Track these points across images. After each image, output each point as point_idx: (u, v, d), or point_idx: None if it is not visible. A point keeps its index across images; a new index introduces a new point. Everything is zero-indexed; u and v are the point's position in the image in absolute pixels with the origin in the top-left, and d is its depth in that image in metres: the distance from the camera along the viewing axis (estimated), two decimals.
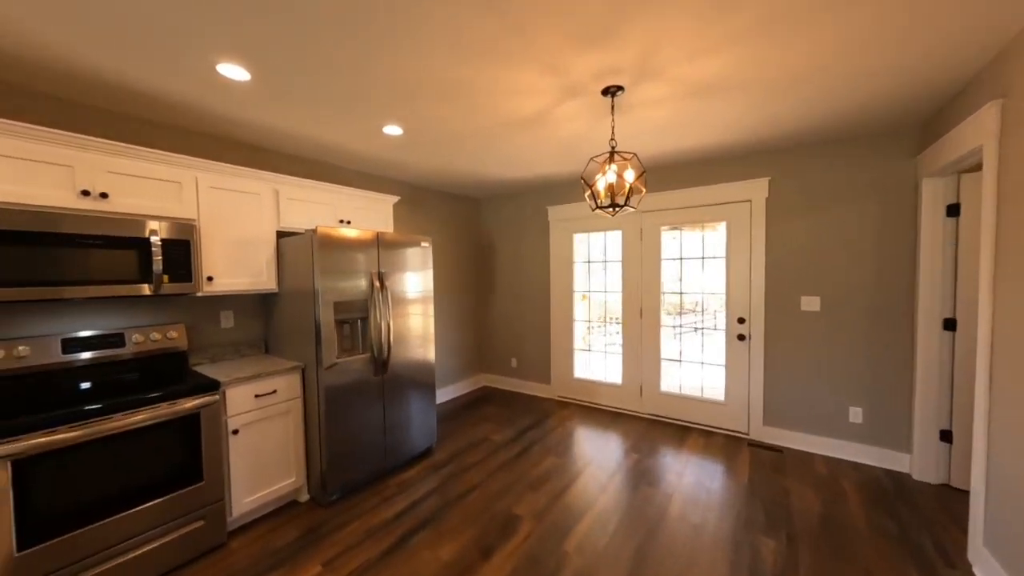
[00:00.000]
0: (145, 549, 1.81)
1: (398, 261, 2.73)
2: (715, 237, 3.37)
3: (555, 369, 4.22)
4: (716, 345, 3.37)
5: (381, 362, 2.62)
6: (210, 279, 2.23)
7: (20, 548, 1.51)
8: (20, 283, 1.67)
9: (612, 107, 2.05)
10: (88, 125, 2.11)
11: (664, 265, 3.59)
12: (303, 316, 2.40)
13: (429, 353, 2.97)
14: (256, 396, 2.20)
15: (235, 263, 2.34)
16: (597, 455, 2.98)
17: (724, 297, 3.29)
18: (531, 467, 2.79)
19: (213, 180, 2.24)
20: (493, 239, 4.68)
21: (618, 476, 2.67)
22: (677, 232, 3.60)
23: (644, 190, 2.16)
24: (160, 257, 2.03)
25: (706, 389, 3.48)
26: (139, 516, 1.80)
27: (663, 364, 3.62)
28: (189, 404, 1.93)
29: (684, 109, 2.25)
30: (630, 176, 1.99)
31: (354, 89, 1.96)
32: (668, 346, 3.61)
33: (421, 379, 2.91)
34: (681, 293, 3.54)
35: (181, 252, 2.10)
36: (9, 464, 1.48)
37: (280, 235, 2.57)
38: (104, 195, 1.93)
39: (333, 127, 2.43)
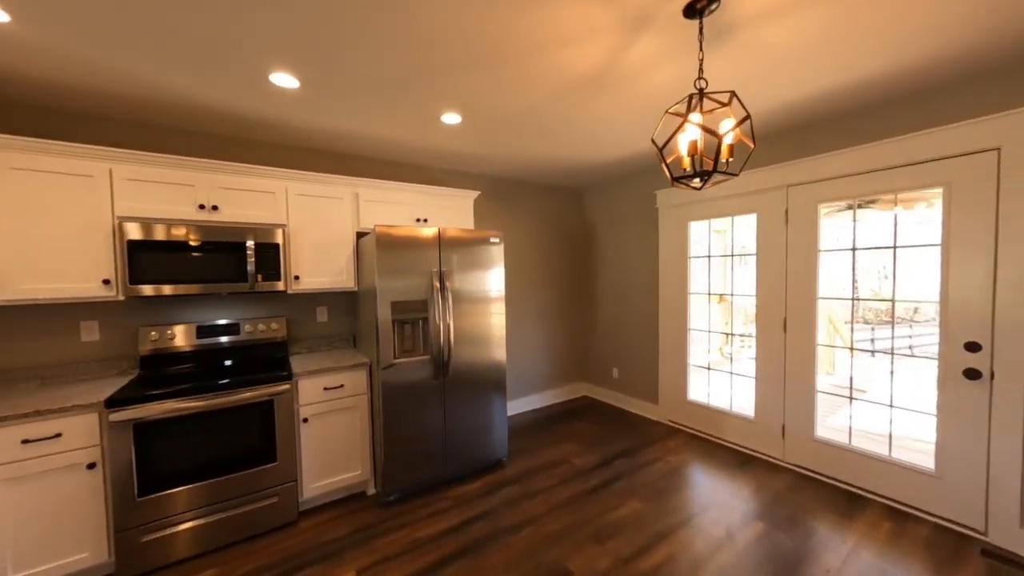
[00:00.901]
0: (230, 513, 2.09)
1: (463, 259, 2.59)
2: (911, 217, 2.18)
3: (664, 387, 3.54)
4: (919, 380, 2.20)
5: (441, 365, 2.52)
6: (297, 278, 2.44)
7: (140, 495, 1.82)
8: (166, 281, 2.11)
9: (700, 30, 1.42)
10: (203, 150, 2.56)
11: (823, 259, 2.58)
12: (369, 314, 2.49)
13: (499, 357, 2.76)
14: (325, 389, 2.34)
15: (319, 263, 2.53)
16: (702, 511, 2.28)
17: (937, 308, 2.15)
18: (606, 509, 2.32)
19: (300, 188, 2.44)
20: (596, 232, 4.21)
21: (727, 551, 1.97)
22: (844, 211, 2.49)
23: (752, 144, 1.44)
24: (253, 259, 2.32)
25: (899, 446, 2.36)
26: (227, 484, 2.08)
27: (818, 398, 2.62)
28: (265, 391, 2.15)
29: (830, 16, 1.41)
30: (727, 126, 1.33)
31: (397, 73, 1.86)
32: (832, 374, 2.57)
33: (488, 385, 2.72)
34: (855, 299, 2.45)
35: (272, 254, 2.36)
36: (132, 427, 1.77)
37: (359, 236, 2.73)
38: (215, 207, 2.28)
39: (391, 122, 2.42)
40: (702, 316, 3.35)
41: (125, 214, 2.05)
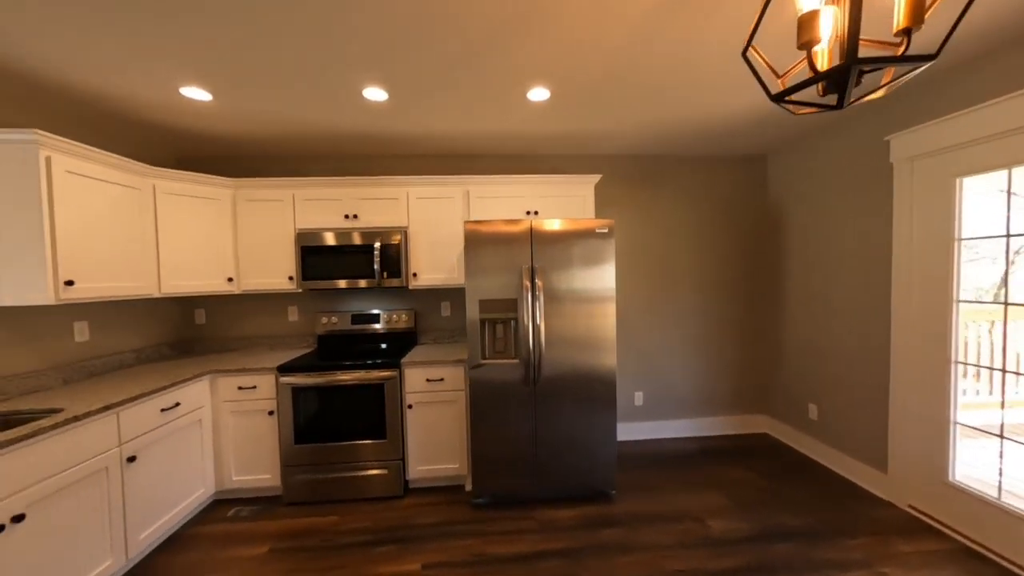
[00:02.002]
0: (353, 474, 2.52)
1: (560, 254, 2.35)
2: None
3: (900, 449, 2.31)
4: None
5: (531, 369, 2.35)
6: (415, 275, 2.75)
7: (296, 442, 2.41)
8: (323, 277, 2.71)
9: None
10: (347, 170, 3.13)
11: None
12: (463, 312, 2.53)
13: (605, 368, 2.39)
14: (427, 380, 2.53)
15: (434, 261, 2.78)
16: None
17: None
18: None
19: (419, 192, 2.73)
20: (783, 213, 3.14)
21: None
22: None
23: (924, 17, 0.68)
24: (379, 258, 2.70)
25: None
26: (351, 448, 2.52)
27: None
28: (377, 375, 2.48)
29: None
30: None
31: (471, 49, 1.80)
32: None
33: (591, 399, 2.40)
34: None
35: (393, 254, 2.71)
36: (291, 389, 2.38)
37: None
38: (355, 216, 2.76)
39: (472, 112, 2.37)
40: (981, 338, 1.95)
41: (300, 227, 2.69)
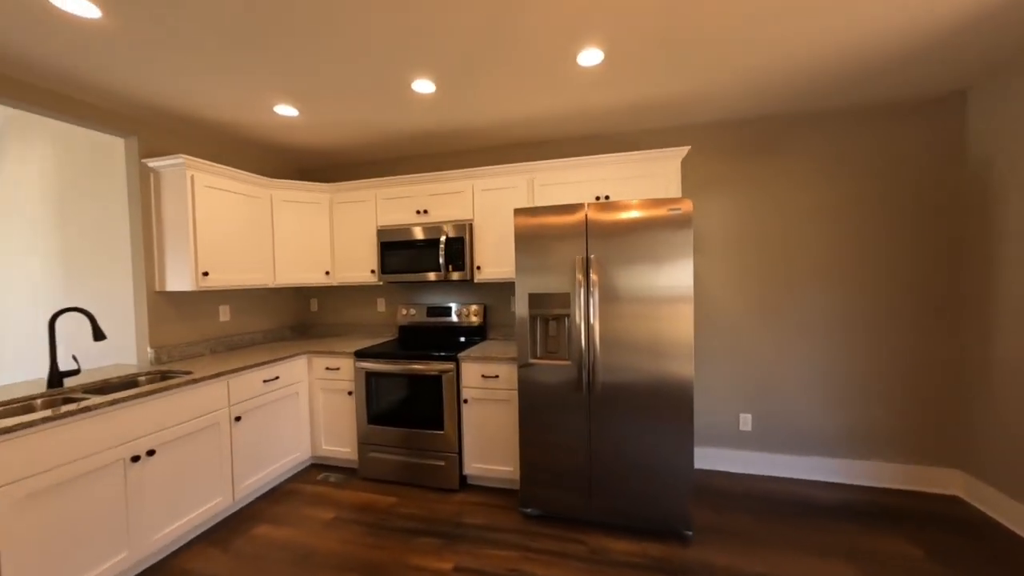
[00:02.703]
0: (412, 460, 2.64)
1: (620, 244, 2.06)
2: None
3: None
4: None
5: (585, 374, 2.12)
6: (479, 268, 2.78)
7: (369, 422, 2.69)
8: (397, 271, 2.91)
9: None
10: (425, 168, 3.26)
11: None
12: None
13: (677, 380, 2.01)
14: (483, 377, 2.51)
15: (498, 254, 2.76)
16: None
17: None
18: None
19: (483, 184, 2.76)
20: (993, 176, 2.21)
21: None
22: None
23: None
24: (444, 252, 2.76)
25: None
26: (413, 435, 2.63)
27: None
28: (435, 367, 2.55)
29: None
30: None
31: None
32: None
33: (659, 415, 2.04)
34: None
35: (458, 247, 2.76)
36: (364, 373, 2.68)
37: None
38: (425, 211, 2.90)
39: (523, 88, 2.20)
40: None
41: (381, 224, 2.95)
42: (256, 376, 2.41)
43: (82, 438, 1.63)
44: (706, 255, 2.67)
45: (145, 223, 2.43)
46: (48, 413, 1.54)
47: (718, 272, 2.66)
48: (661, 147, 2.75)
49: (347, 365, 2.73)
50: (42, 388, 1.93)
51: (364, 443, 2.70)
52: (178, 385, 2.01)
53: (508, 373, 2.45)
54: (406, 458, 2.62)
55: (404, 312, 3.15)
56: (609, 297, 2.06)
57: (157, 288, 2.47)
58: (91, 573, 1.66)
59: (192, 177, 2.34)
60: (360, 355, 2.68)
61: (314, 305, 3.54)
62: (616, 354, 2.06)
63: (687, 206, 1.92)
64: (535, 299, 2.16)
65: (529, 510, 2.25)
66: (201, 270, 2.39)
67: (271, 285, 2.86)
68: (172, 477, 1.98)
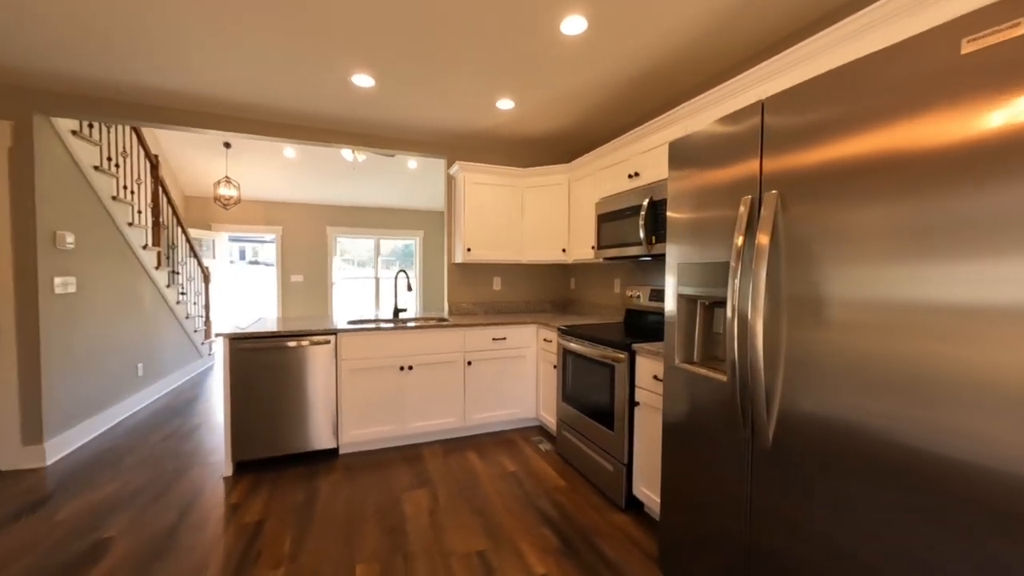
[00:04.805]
0: (586, 451, 2.48)
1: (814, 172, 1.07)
2: None
3: None
4: None
5: (745, 402, 1.28)
6: None
7: (563, 399, 2.94)
8: (605, 246, 2.76)
9: None
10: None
11: None
12: None
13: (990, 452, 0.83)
14: (654, 378, 2.03)
15: None
16: None
17: None
18: None
19: (704, 117, 2.36)
20: None
21: None
22: None
23: None
24: (644, 220, 2.36)
25: None
26: (590, 426, 2.46)
27: None
28: (609, 354, 2.27)
29: None
30: None
31: None
32: None
33: (941, 512, 0.94)
34: None
35: (663, 212, 2.29)
36: (562, 349, 2.91)
37: None
38: (636, 174, 2.64)
39: None
40: None
41: (600, 196, 2.98)
42: (486, 333, 3.08)
43: (388, 343, 2.82)
44: None
45: (449, 214, 3.58)
46: (391, 326, 2.78)
47: None
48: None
49: (555, 339, 2.91)
50: (389, 316, 3.36)
51: (560, 419, 2.79)
52: (432, 327, 2.96)
53: None
54: (583, 447, 2.53)
55: (629, 294, 2.96)
56: (801, 260, 1.15)
57: (452, 261, 3.57)
58: (374, 427, 2.84)
59: (464, 177, 3.27)
60: (561, 331, 2.78)
61: (573, 283, 3.93)
62: (819, 381, 1.12)
63: None
64: (686, 272, 1.53)
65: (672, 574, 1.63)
66: (465, 247, 3.29)
67: (522, 261, 3.47)
68: (425, 389, 2.95)
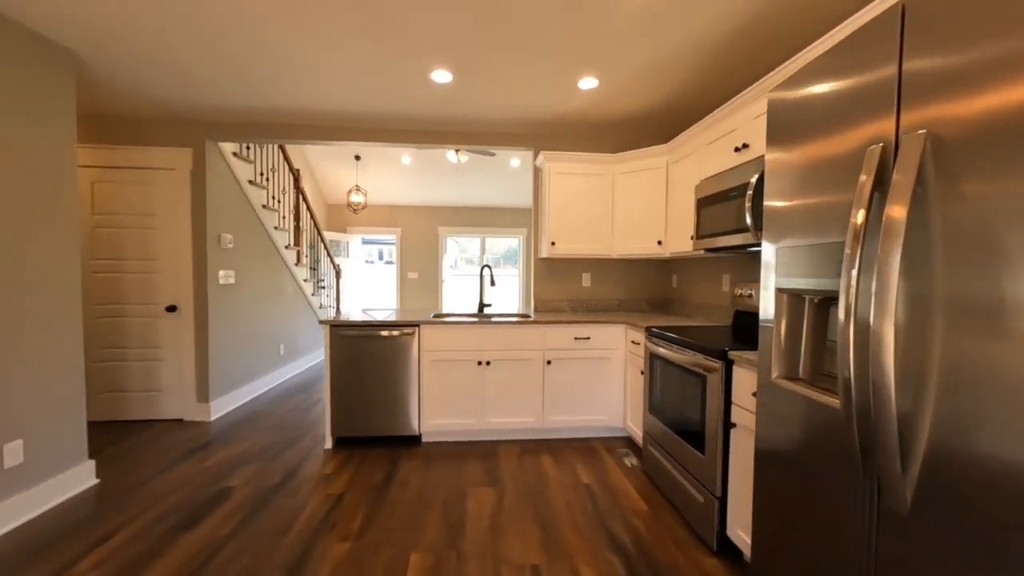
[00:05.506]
0: (673, 473, 2.11)
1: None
2: None
3: None
4: None
5: (867, 442, 0.90)
6: None
7: (648, 409, 2.56)
8: (706, 235, 2.33)
9: None
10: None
11: None
12: None
13: None
14: (754, 395, 1.70)
15: None
16: None
17: None
18: None
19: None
20: None
21: None
22: None
23: None
24: (752, 200, 1.93)
25: None
26: (676, 445, 2.08)
27: None
28: (701, 363, 1.91)
29: None
30: None
31: None
32: None
33: None
34: None
35: None
36: (649, 355, 2.59)
37: None
38: (745, 145, 2.14)
39: None
40: None
41: (702, 177, 2.57)
42: (568, 331, 2.94)
43: (466, 337, 2.89)
44: None
45: (535, 208, 3.51)
46: (470, 320, 2.87)
47: None
48: None
49: (643, 341, 2.60)
50: (470, 310, 3.42)
51: (646, 432, 2.50)
52: (515, 324, 2.91)
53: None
54: (670, 468, 2.19)
55: (738, 292, 2.52)
56: (980, 269, 0.76)
57: (537, 256, 3.50)
58: (452, 419, 2.90)
59: (548, 167, 3.18)
60: (649, 332, 2.48)
61: (674, 280, 3.55)
62: (1015, 421, 0.72)
63: None
64: (788, 257, 1.19)
65: None
66: (549, 241, 3.20)
67: (611, 256, 3.23)
68: (502, 386, 2.92)
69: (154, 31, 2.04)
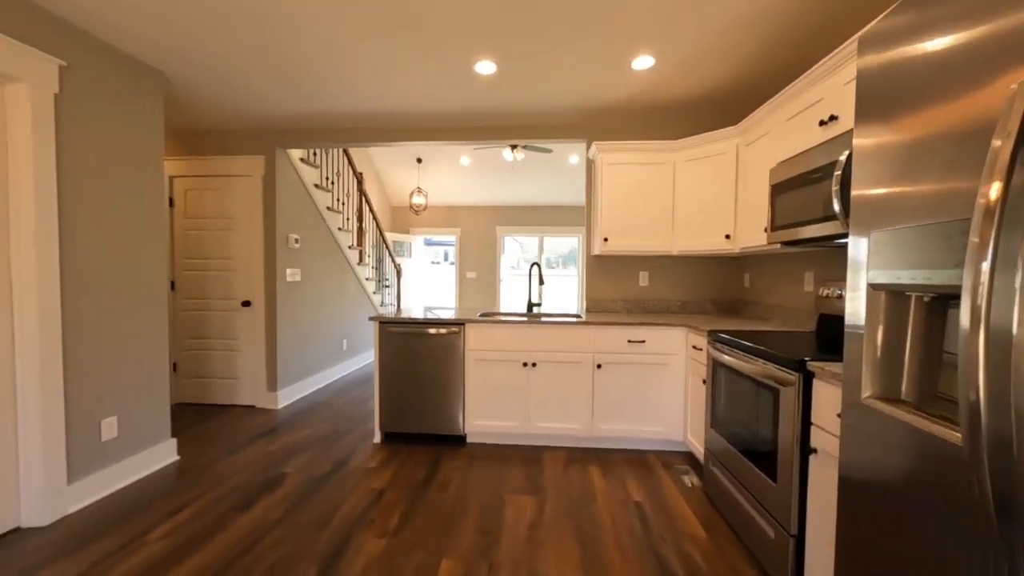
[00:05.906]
0: (739, 501, 1.84)
1: None
2: None
3: None
4: None
5: (1002, 492, 0.65)
6: None
7: (710, 423, 2.20)
8: (785, 225, 2.00)
9: None
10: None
11: None
12: None
13: None
14: (838, 416, 1.60)
15: None
16: None
17: None
18: None
19: None
20: None
21: None
22: None
23: None
24: (840, 182, 1.61)
25: None
26: (741, 465, 1.81)
27: None
28: (773, 374, 1.65)
29: None
30: None
31: None
32: None
33: None
34: None
35: None
36: (711, 362, 2.26)
37: None
38: (833, 118, 1.79)
39: None
40: None
41: (779, 160, 2.21)
42: (621, 334, 2.74)
43: (511, 337, 2.81)
44: None
45: (588, 202, 3.33)
46: (516, 320, 2.80)
47: None
48: None
49: (705, 346, 2.33)
50: (523, 310, 3.33)
51: (707, 449, 2.23)
52: (556, 323, 2.76)
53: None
54: (735, 493, 1.91)
55: (823, 293, 2.19)
56: None
57: (590, 253, 3.33)
58: (497, 421, 2.82)
59: (601, 158, 3.01)
60: (712, 336, 2.22)
61: (746, 280, 3.21)
62: None
63: None
64: (885, 243, 0.95)
65: None
66: (602, 236, 3.03)
67: (671, 252, 2.97)
68: (548, 388, 2.79)
69: (231, 56, 2.28)
